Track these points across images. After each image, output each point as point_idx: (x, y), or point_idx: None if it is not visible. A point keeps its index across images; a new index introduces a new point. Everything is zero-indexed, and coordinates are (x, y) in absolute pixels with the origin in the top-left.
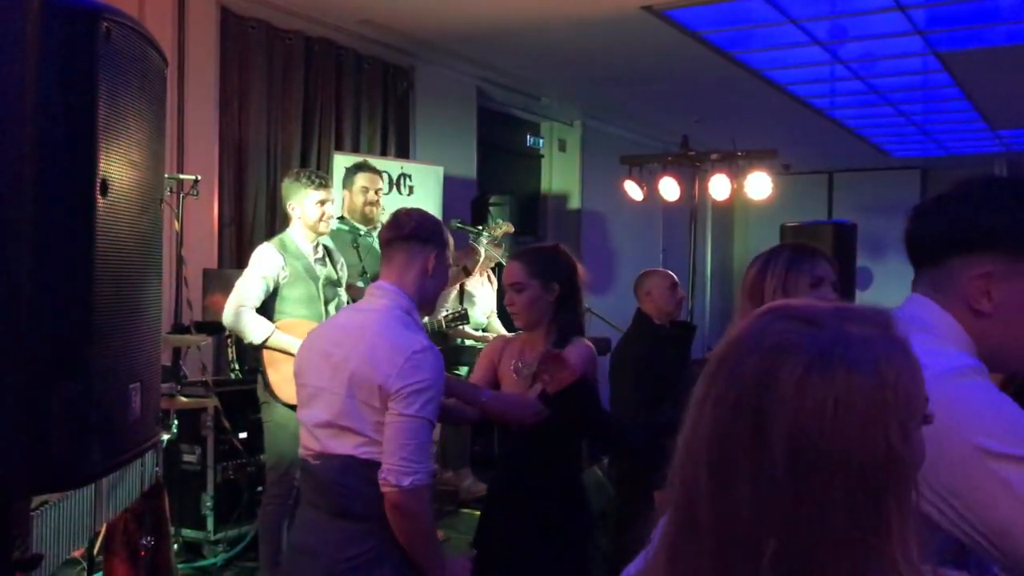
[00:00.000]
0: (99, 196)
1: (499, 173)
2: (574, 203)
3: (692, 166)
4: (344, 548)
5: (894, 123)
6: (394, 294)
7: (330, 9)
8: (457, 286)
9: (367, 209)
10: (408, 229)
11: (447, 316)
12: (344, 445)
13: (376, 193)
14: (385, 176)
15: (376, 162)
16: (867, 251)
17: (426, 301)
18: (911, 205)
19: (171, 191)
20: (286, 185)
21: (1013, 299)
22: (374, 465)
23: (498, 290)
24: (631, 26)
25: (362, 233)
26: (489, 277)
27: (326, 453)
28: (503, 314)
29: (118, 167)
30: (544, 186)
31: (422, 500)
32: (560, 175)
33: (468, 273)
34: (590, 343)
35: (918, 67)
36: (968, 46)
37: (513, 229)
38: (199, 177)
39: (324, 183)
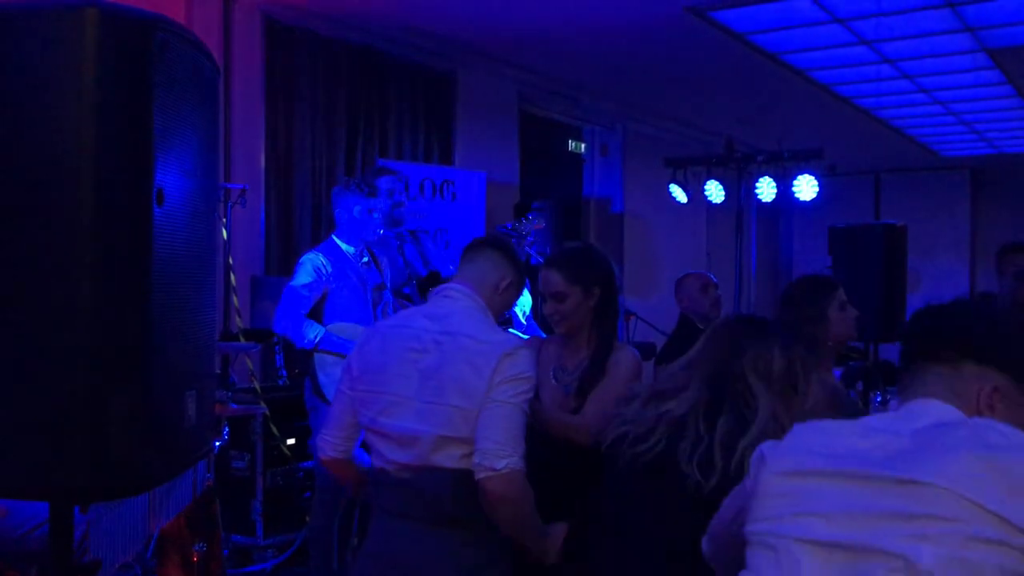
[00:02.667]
0: (156, 205)
1: (541, 178)
2: (616, 207)
3: (737, 168)
4: (460, 555)
5: (943, 122)
6: (470, 294)
7: (372, 16)
8: None
9: (395, 211)
10: (493, 239)
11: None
12: (452, 457)
13: (400, 194)
14: (428, 183)
15: (419, 168)
16: (916, 252)
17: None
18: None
19: (219, 200)
20: (336, 192)
21: (1011, 420)
22: None
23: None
24: (674, 28)
25: (403, 238)
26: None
27: (430, 466)
28: (540, 315)
29: (174, 176)
30: (586, 190)
31: (517, 484)
32: (602, 179)
33: None
34: (634, 349)
35: (968, 64)
36: (1020, 42)
37: (543, 224)
38: (246, 186)
39: (373, 191)
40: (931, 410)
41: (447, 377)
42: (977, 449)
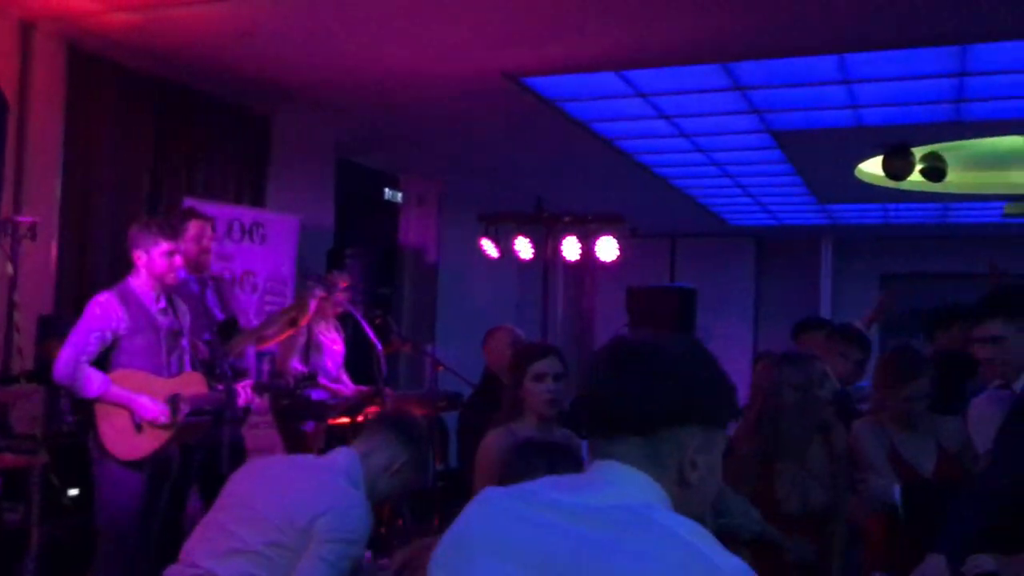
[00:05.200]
0: None
1: (357, 225)
2: (431, 257)
3: (545, 226)
4: None
5: (731, 193)
6: (352, 460)
7: (186, 54)
8: (305, 336)
9: (202, 258)
10: (396, 419)
11: (296, 378)
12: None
13: (209, 241)
14: (237, 224)
15: (229, 209)
16: (706, 313)
17: (371, 492)
18: (747, 271)
19: (6, 233)
20: (134, 232)
21: (706, 469)
22: None
23: (348, 339)
24: (491, 89)
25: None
26: (337, 327)
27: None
28: (352, 365)
29: None
30: (402, 239)
31: None
32: (418, 229)
33: (295, 325)
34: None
35: (754, 143)
36: (798, 127)
37: (347, 282)
38: (37, 220)
39: (174, 233)
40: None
41: (285, 504)
42: None
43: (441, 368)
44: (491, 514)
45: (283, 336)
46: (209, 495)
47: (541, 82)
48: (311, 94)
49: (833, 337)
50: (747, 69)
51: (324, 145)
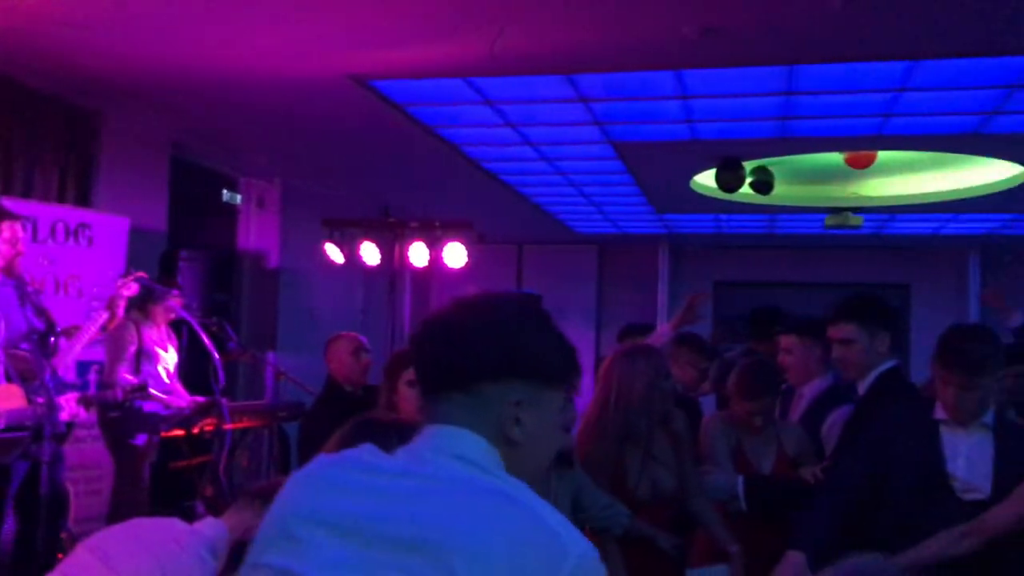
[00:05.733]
0: None
1: (193, 228)
2: (272, 262)
3: (392, 232)
4: None
5: (576, 202)
6: (218, 532)
7: (4, 41)
8: (136, 344)
9: (15, 261)
10: (267, 493)
11: (126, 389)
12: None
13: (23, 242)
14: (61, 225)
15: (51, 209)
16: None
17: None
18: (590, 277)
19: None
20: None
21: (536, 427)
22: None
23: (182, 348)
24: (336, 91)
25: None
26: (170, 334)
27: None
28: (187, 375)
29: None
30: (241, 243)
31: None
32: (258, 232)
33: (105, 330)
34: None
35: (597, 154)
36: (637, 139)
37: (176, 292)
38: None
39: None
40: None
41: None
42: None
43: (282, 377)
44: (310, 483)
45: (90, 342)
46: (26, 515)
47: (388, 85)
48: (145, 90)
49: (682, 347)
50: (590, 81)
51: (158, 144)
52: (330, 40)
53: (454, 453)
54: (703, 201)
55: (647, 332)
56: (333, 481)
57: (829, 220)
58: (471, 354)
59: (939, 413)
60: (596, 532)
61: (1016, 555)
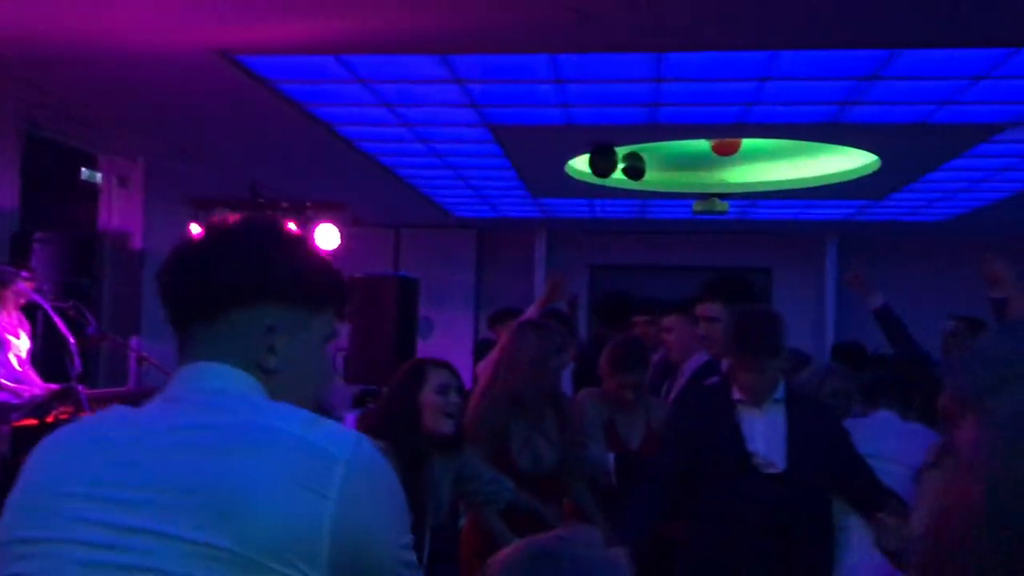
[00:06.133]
0: None
1: (48, 208)
2: (136, 243)
3: (261, 213)
4: None
5: (454, 185)
6: None
7: None
8: None
9: None
10: None
11: None
12: None
13: None
14: None
15: None
16: (430, 302)
17: None
18: (469, 261)
19: None
20: None
21: (297, 354)
22: None
23: (36, 333)
24: (202, 66)
25: None
26: (21, 319)
27: None
28: (41, 362)
29: None
30: (102, 223)
31: None
32: (121, 212)
33: None
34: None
35: (474, 136)
36: (514, 122)
37: (28, 275)
38: None
39: None
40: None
41: None
42: None
43: (145, 362)
44: (64, 448)
45: None
46: None
47: (256, 61)
48: None
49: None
50: (466, 63)
51: (8, 119)
52: (194, 12)
53: (209, 389)
54: (578, 186)
55: (518, 316)
56: (90, 443)
57: (697, 206)
58: (212, 280)
59: (736, 394)
60: (481, 505)
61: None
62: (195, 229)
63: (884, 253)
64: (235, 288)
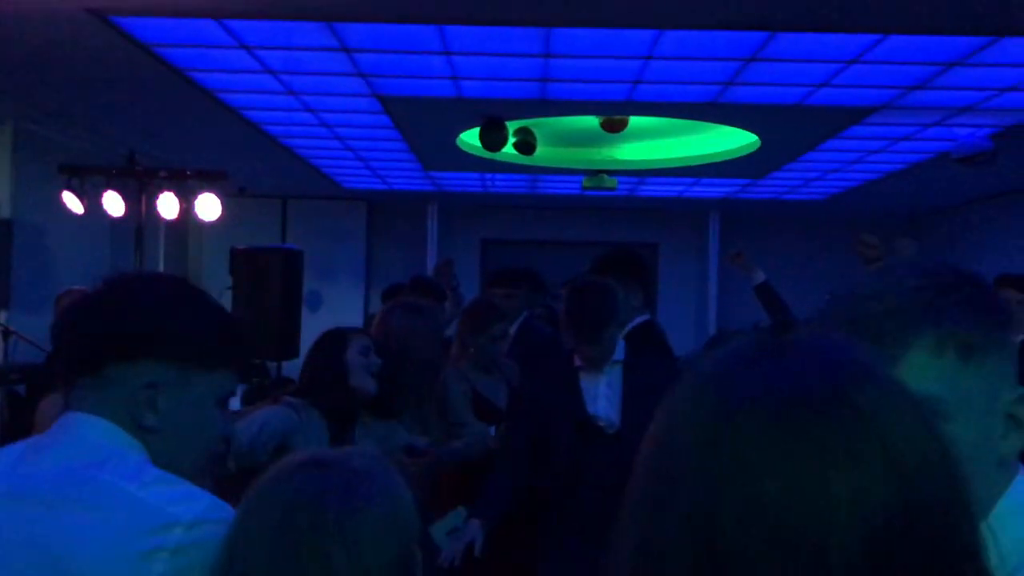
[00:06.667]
0: None
1: None
2: (3, 212)
3: (139, 182)
4: None
5: (342, 156)
6: None
7: None
8: None
9: None
10: None
11: None
12: None
13: None
14: None
15: None
16: (318, 275)
17: None
18: (359, 233)
19: None
20: None
21: (181, 414)
22: None
23: None
24: (74, 26)
25: None
26: None
27: None
28: None
29: None
30: None
31: None
32: None
33: None
34: None
35: (362, 107)
36: (403, 93)
37: None
38: None
39: None
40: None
41: None
42: None
43: (12, 336)
44: None
45: None
46: None
47: (133, 23)
48: None
49: (415, 293)
50: (353, 31)
51: None
52: None
53: (67, 441)
54: (470, 159)
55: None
56: None
57: (586, 182)
58: (93, 332)
59: (578, 361)
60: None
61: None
62: (68, 198)
63: (765, 230)
64: (116, 341)
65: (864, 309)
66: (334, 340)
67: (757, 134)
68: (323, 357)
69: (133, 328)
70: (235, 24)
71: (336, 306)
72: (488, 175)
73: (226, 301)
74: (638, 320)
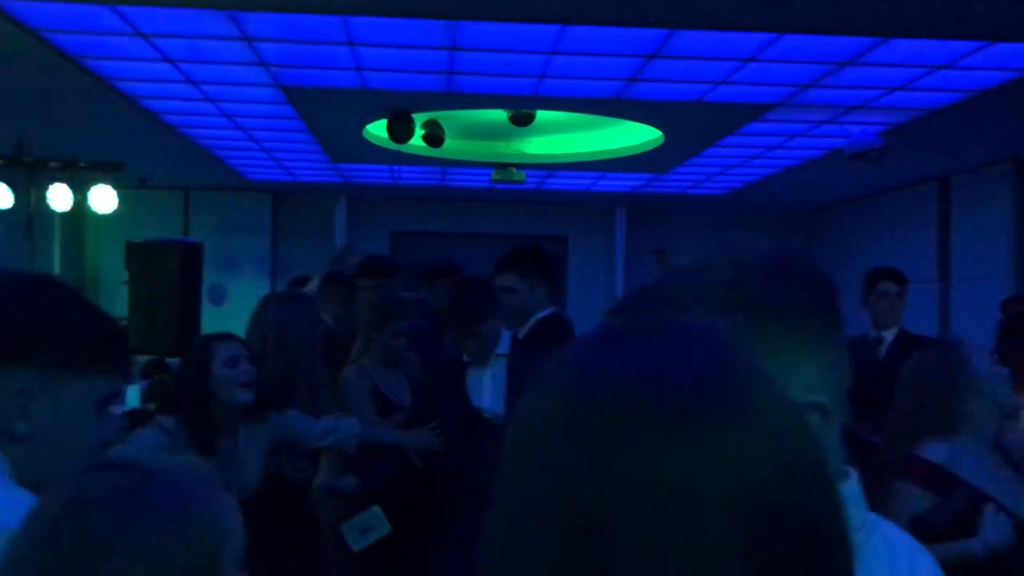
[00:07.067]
0: None
1: None
2: None
3: (28, 172)
4: None
5: (246, 147)
6: None
7: None
8: None
9: None
10: None
11: None
12: None
13: None
14: None
15: None
16: (222, 268)
17: None
18: (264, 225)
19: None
20: None
21: (56, 421)
22: None
23: None
24: None
25: None
26: None
27: None
28: None
29: None
30: None
31: None
32: None
33: None
34: None
35: (265, 97)
36: (307, 84)
37: None
38: None
39: None
40: None
41: None
42: None
43: None
44: None
45: None
46: None
47: (21, 7)
48: None
49: (329, 286)
50: (255, 20)
51: None
52: None
53: None
54: (377, 151)
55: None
56: None
57: (495, 175)
58: None
59: (466, 357)
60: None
61: None
62: None
63: (670, 223)
64: None
65: (672, 295)
66: (198, 354)
67: (660, 129)
68: (187, 374)
69: (3, 334)
70: (130, 11)
71: (241, 300)
72: (397, 167)
73: (123, 296)
74: (543, 313)
